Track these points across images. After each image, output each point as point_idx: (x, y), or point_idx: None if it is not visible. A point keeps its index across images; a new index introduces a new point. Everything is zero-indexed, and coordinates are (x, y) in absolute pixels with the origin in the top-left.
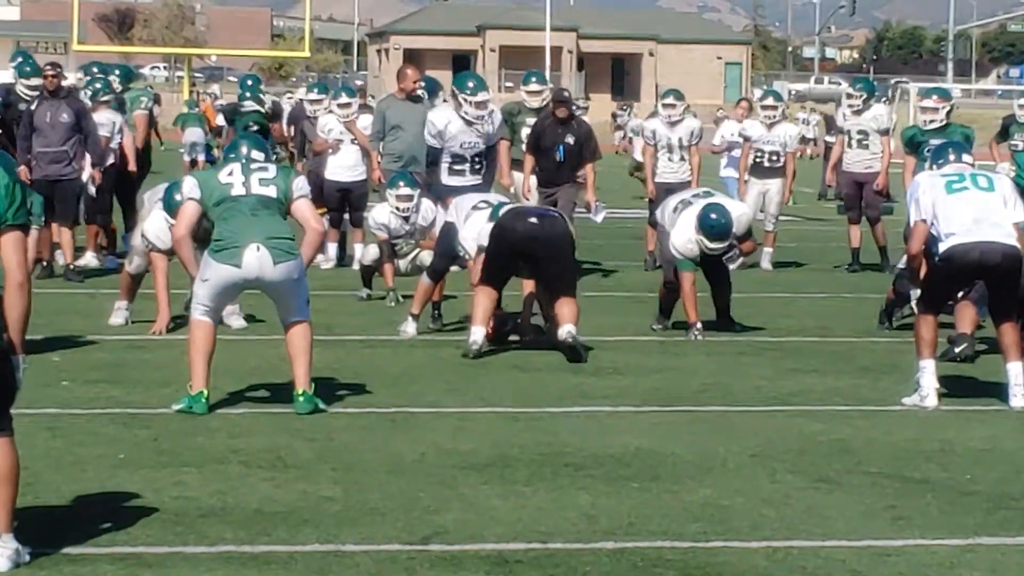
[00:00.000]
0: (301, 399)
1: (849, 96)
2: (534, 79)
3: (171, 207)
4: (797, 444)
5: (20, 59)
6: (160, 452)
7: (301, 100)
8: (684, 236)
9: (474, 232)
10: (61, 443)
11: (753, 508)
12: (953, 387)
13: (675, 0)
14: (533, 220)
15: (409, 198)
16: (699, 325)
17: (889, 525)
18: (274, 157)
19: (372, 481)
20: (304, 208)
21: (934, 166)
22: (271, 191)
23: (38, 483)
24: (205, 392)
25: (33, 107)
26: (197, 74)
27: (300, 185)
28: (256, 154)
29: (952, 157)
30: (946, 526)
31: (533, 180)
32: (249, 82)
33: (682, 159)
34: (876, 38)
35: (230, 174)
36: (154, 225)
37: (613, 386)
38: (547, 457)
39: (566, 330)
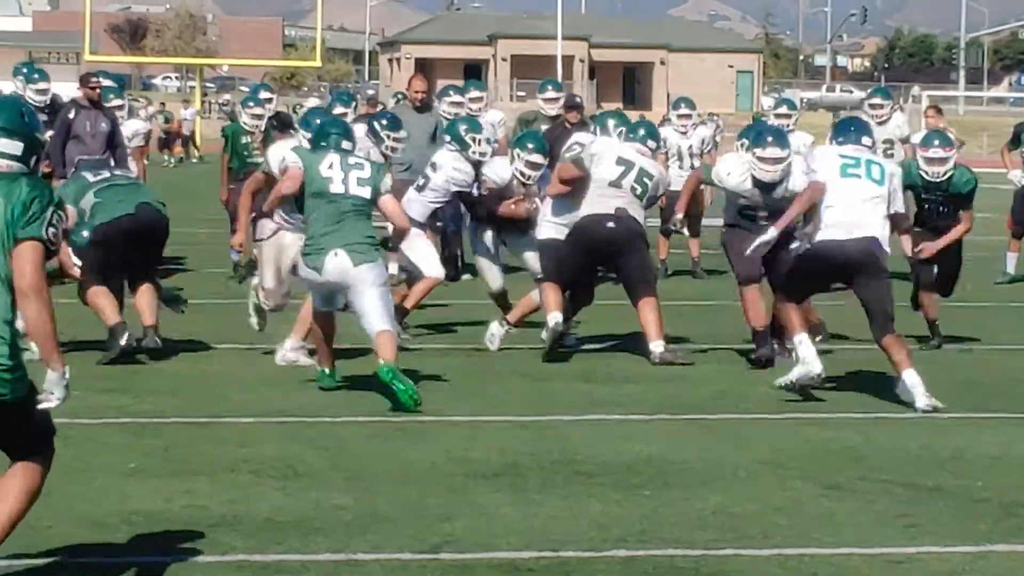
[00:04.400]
0: (401, 387)
1: (875, 107)
2: (550, 87)
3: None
4: (808, 452)
5: (25, 68)
6: (171, 461)
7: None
8: (736, 168)
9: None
10: (72, 452)
11: (765, 516)
12: (963, 394)
13: (686, 8)
14: (611, 224)
15: (538, 167)
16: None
17: (901, 532)
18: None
19: (383, 489)
20: (389, 204)
21: (834, 141)
22: (366, 192)
23: (49, 493)
24: (327, 370)
25: (71, 116)
26: (209, 84)
27: (388, 183)
28: (347, 144)
29: (853, 136)
30: (958, 533)
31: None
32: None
33: (692, 167)
34: (887, 46)
35: (330, 167)
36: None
37: (624, 394)
38: (558, 465)
39: (656, 354)
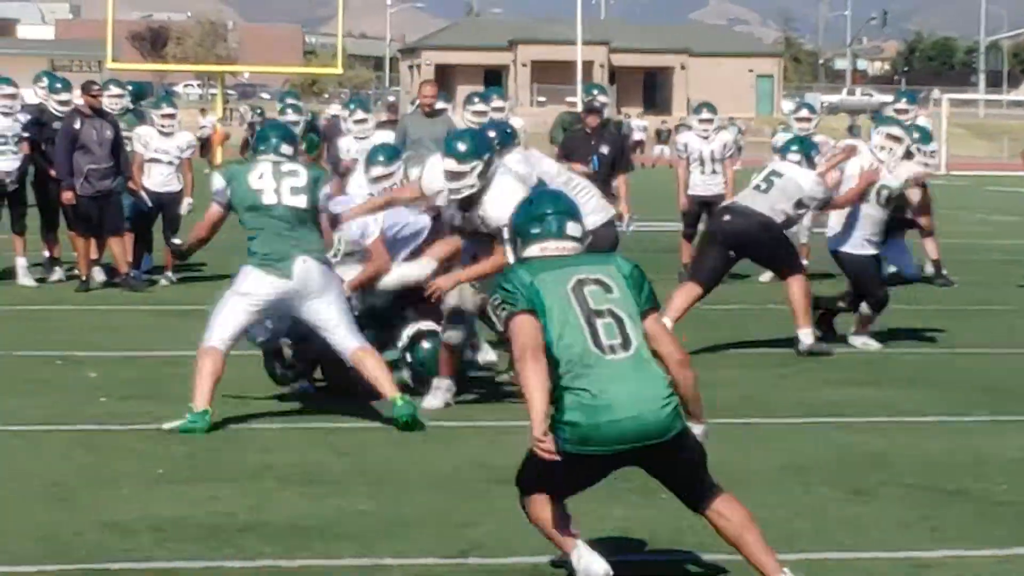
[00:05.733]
0: (400, 403)
1: (901, 111)
2: (595, 91)
3: None
4: (832, 456)
5: (47, 78)
6: (195, 468)
7: (335, 116)
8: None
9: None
10: (97, 459)
11: (788, 520)
12: (985, 398)
13: (706, 13)
14: (728, 217)
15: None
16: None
17: (925, 536)
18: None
19: (407, 495)
20: (323, 221)
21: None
22: (301, 201)
23: (74, 499)
24: (209, 410)
25: (76, 125)
26: (230, 91)
27: (324, 195)
28: (286, 148)
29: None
30: (982, 537)
31: None
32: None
33: (714, 172)
34: (907, 49)
35: (260, 177)
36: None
37: None
38: None
39: (803, 345)
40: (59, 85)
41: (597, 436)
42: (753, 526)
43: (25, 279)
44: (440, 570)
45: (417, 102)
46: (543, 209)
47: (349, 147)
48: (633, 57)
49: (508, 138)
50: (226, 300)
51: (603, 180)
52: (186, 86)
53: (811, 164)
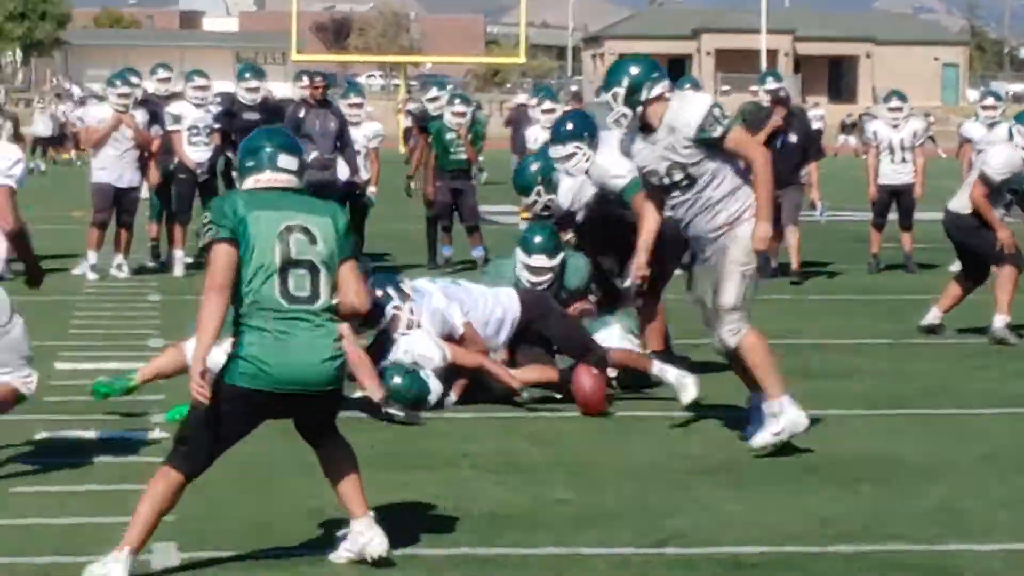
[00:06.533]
0: None
1: None
2: (771, 78)
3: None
4: None
5: (240, 67)
6: (392, 455)
7: (522, 106)
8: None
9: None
10: (297, 447)
11: (987, 510)
12: None
13: (891, 1)
14: None
15: None
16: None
17: None
18: None
19: (604, 485)
20: None
21: None
22: None
23: (275, 488)
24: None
25: (301, 115)
26: (412, 82)
27: None
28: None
29: None
30: None
31: None
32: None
33: (904, 160)
34: None
35: None
36: None
37: (842, 390)
38: (778, 460)
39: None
40: (247, 73)
41: (269, 374)
42: (353, 467)
43: (179, 270)
44: (638, 560)
45: (600, 89)
46: (259, 143)
47: (537, 136)
48: (818, 46)
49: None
50: None
51: (794, 167)
52: (368, 76)
53: None
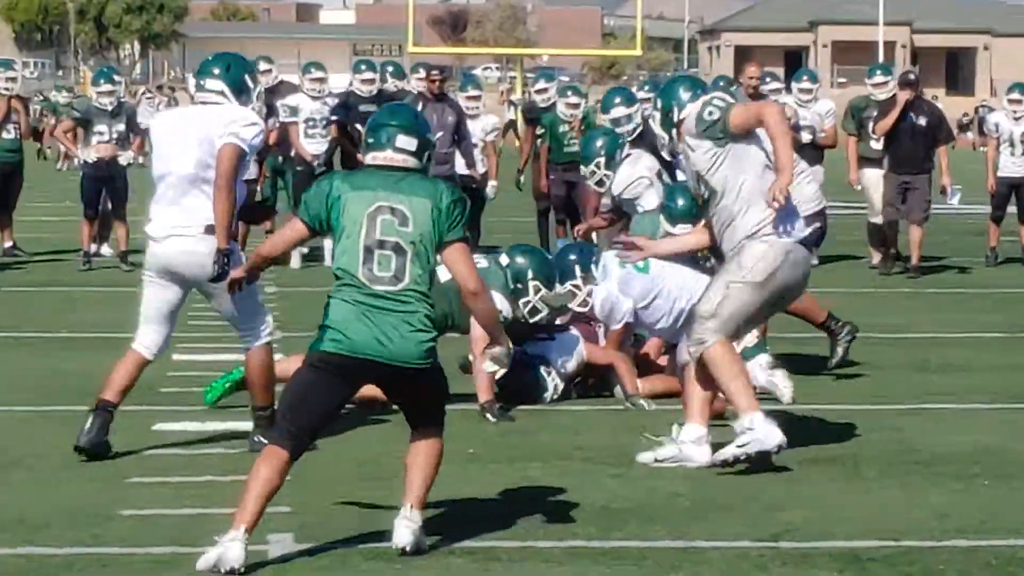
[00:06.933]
0: None
1: None
2: (879, 71)
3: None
4: None
5: (357, 60)
6: (508, 447)
7: None
8: None
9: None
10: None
11: None
12: None
13: None
14: None
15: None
16: None
17: None
18: None
19: (718, 478)
20: None
21: None
22: None
23: (395, 477)
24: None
25: (419, 108)
26: (529, 74)
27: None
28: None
29: None
30: None
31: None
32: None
33: None
34: None
35: None
36: None
37: (959, 383)
38: (894, 454)
39: None
40: (363, 66)
41: (350, 338)
42: (430, 465)
43: (296, 262)
44: (754, 552)
45: (720, 81)
46: (383, 120)
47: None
48: (935, 37)
49: None
50: None
51: (925, 153)
52: (485, 69)
53: None
